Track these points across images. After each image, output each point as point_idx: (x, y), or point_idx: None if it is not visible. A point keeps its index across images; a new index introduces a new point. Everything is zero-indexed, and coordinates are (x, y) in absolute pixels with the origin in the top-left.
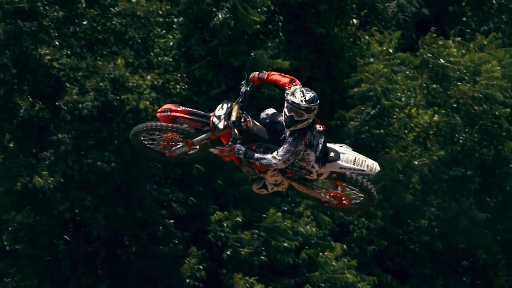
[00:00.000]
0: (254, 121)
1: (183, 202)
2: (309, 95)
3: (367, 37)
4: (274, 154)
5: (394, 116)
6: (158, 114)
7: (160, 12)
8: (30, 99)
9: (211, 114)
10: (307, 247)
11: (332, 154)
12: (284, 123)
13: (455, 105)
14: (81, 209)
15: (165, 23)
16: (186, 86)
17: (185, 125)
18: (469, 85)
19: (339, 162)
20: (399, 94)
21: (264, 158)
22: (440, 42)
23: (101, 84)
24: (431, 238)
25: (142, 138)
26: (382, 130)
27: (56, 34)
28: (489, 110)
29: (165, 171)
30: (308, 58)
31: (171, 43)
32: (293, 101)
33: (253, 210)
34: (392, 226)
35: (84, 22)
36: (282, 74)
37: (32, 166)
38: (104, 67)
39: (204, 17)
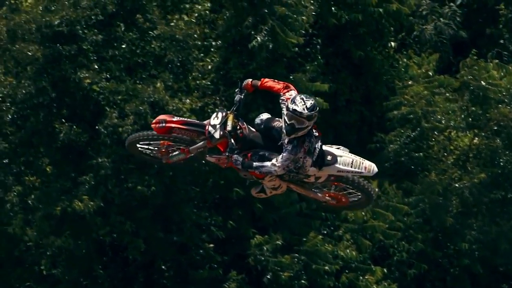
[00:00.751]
0: (250, 127)
1: (222, 226)
2: (309, 102)
3: (405, 59)
4: (274, 161)
5: (433, 139)
6: (153, 126)
7: (195, 35)
8: (69, 123)
9: (206, 122)
10: (347, 271)
11: (329, 158)
12: (284, 131)
13: (495, 128)
14: (121, 233)
15: (203, 46)
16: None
17: (181, 135)
18: (509, 107)
19: (337, 165)
20: (439, 117)
21: (263, 166)
22: (482, 64)
23: (141, 107)
24: (471, 261)
25: (138, 146)
26: (421, 153)
27: (95, 58)
28: None
29: (203, 195)
30: (347, 81)
31: (209, 67)
32: (294, 109)
33: (292, 234)
34: (433, 249)
35: (123, 46)
36: (276, 80)
37: (71, 190)
38: (143, 91)
39: (243, 40)
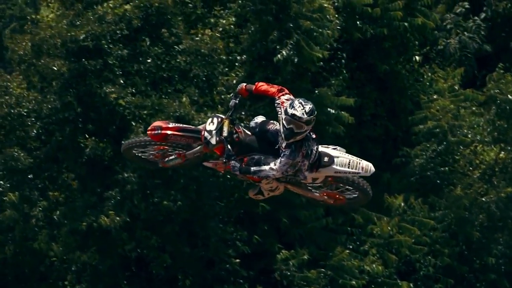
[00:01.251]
0: (245, 130)
1: (247, 241)
2: (308, 107)
3: (429, 74)
4: (272, 165)
5: (459, 153)
6: (148, 133)
7: (218, 50)
8: (95, 138)
9: (201, 128)
10: (373, 286)
11: (326, 159)
12: (282, 135)
13: None
14: (147, 248)
15: (228, 60)
16: None
17: (177, 141)
18: None
19: (334, 166)
20: (465, 131)
21: (261, 171)
22: (508, 78)
23: None
24: (497, 276)
25: (134, 151)
26: (447, 168)
27: (121, 72)
28: None
29: (228, 210)
30: (371, 95)
31: (234, 81)
32: (293, 114)
33: (318, 249)
34: (459, 264)
35: (149, 60)
36: (270, 84)
37: (97, 205)
38: (169, 105)
39: (268, 55)
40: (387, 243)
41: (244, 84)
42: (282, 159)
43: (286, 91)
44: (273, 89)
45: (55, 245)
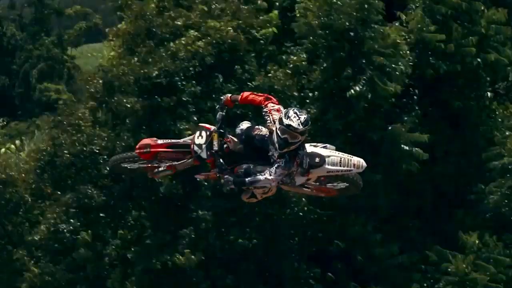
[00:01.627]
0: (234, 138)
1: (320, 279)
2: (303, 117)
3: (501, 110)
4: (267, 175)
5: None
6: (137, 151)
7: (291, 86)
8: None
9: (189, 141)
10: None
11: (317, 160)
12: (276, 144)
13: None
14: (222, 287)
15: (299, 97)
16: None
17: (167, 157)
18: None
19: (326, 166)
20: None
21: (257, 181)
22: None
23: None
24: None
25: (122, 165)
26: None
27: (194, 109)
28: None
29: (302, 247)
30: (445, 132)
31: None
32: (289, 125)
33: (393, 287)
34: None
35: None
36: (255, 93)
37: (171, 244)
38: None
39: (340, 91)
40: (462, 282)
41: (229, 95)
42: (278, 170)
43: (273, 99)
44: (259, 97)
45: (129, 284)
